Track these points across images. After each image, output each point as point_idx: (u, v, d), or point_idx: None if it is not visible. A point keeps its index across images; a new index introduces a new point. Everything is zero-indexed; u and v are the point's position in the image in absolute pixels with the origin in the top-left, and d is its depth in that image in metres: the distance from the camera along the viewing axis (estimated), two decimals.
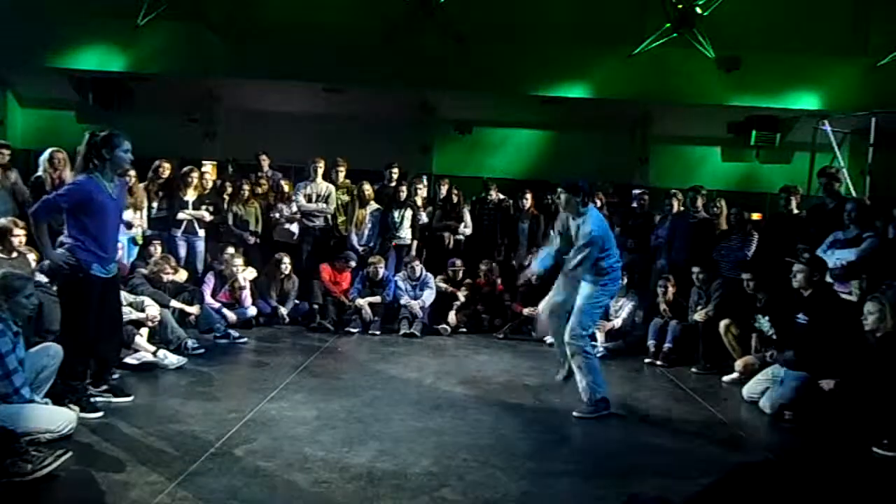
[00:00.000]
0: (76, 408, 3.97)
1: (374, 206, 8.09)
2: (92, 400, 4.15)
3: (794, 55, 10.16)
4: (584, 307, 4.52)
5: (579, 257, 4.42)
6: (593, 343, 6.41)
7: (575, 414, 4.50)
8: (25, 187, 6.77)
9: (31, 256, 5.42)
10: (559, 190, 4.63)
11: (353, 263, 7.71)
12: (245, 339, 6.52)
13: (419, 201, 8.27)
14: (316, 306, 7.42)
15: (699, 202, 7.53)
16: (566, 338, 4.51)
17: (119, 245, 5.98)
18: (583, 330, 4.52)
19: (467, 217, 8.36)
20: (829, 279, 5.44)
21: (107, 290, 4.17)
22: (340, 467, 3.46)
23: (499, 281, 7.88)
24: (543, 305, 4.93)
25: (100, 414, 4.04)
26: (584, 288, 4.55)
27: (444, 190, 8.60)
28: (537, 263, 5.01)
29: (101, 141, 4.04)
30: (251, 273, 7.34)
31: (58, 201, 3.99)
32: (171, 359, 5.38)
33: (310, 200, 8.10)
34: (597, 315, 4.73)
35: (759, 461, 3.94)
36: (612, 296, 4.99)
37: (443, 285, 7.76)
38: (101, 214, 4.04)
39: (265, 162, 8.89)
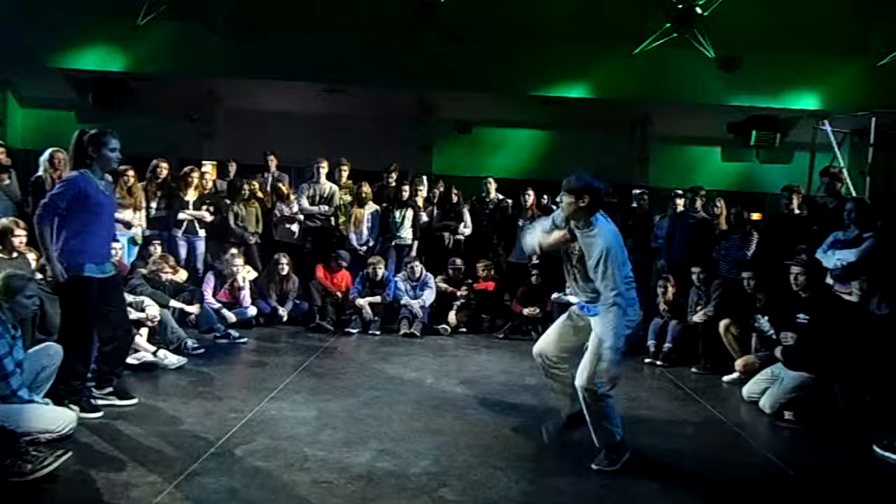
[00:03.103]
0: (76, 408, 3.96)
1: (372, 206, 8.09)
2: (92, 400, 4.15)
3: (794, 55, 10.15)
4: (595, 351, 3.52)
5: (600, 273, 3.44)
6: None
7: (593, 466, 3.64)
8: (18, 190, 6.80)
9: (31, 256, 5.41)
10: (562, 193, 3.63)
11: (344, 263, 7.70)
12: (245, 339, 6.52)
13: (420, 201, 8.27)
14: (315, 307, 7.42)
15: (698, 203, 7.53)
16: (578, 382, 3.58)
17: (118, 245, 5.97)
18: (603, 376, 3.48)
19: (467, 217, 8.35)
20: (829, 280, 5.45)
21: (107, 291, 4.12)
22: (340, 467, 3.46)
23: (488, 275, 7.88)
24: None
25: (100, 414, 4.04)
26: (599, 321, 3.52)
27: (438, 191, 8.60)
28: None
29: (88, 139, 4.03)
30: (251, 273, 7.35)
31: (55, 201, 3.91)
32: (172, 359, 5.38)
33: (313, 202, 8.09)
34: (620, 351, 3.45)
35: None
36: (632, 326, 3.69)
37: (443, 285, 7.76)
38: (95, 211, 4.01)
39: (273, 162, 8.89)
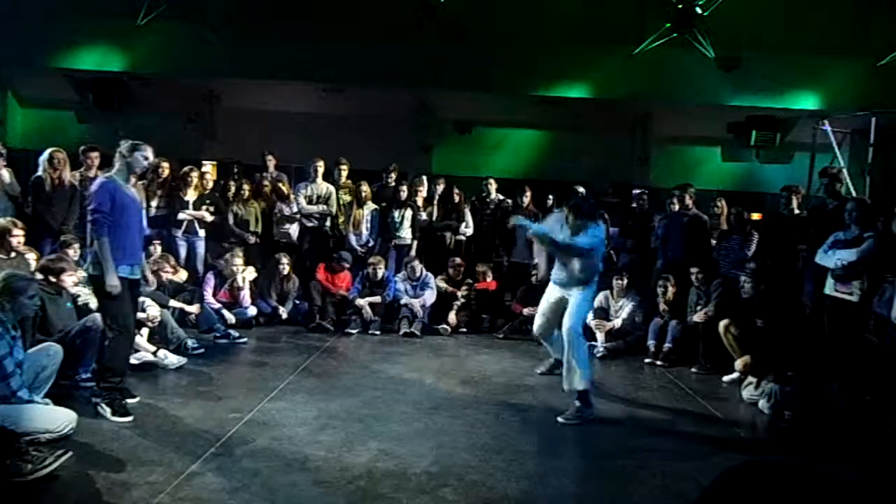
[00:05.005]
0: (107, 408, 4.00)
1: (371, 206, 8.08)
2: (125, 402, 4.18)
3: (794, 55, 10.14)
4: (577, 310, 4.85)
5: (569, 248, 4.74)
6: (592, 343, 6.70)
7: (560, 420, 4.49)
8: (18, 185, 6.79)
9: (31, 256, 5.42)
10: (566, 210, 4.89)
11: (346, 264, 7.69)
12: (245, 339, 6.52)
13: (419, 201, 8.27)
14: (315, 307, 7.41)
15: (688, 200, 7.46)
16: (565, 326, 4.79)
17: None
18: (580, 328, 4.89)
19: (468, 217, 8.34)
20: (830, 280, 5.45)
21: (129, 290, 4.22)
22: (340, 467, 3.46)
23: (490, 278, 7.89)
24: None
25: (131, 418, 4.04)
26: (576, 294, 4.89)
27: (439, 189, 8.60)
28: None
29: (127, 146, 4.27)
30: (251, 273, 7.34)
31: (101, 210, 4.03)
32: (172, 359, 5.38)
33: (310, 202, 8.08)
34: (586, 316, 5.39)
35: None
36: (592, 300, 5.43)
37: (443, 285, 7.76)
38: (123, 213, 4.12)
39: (271, 162, 8.88)
